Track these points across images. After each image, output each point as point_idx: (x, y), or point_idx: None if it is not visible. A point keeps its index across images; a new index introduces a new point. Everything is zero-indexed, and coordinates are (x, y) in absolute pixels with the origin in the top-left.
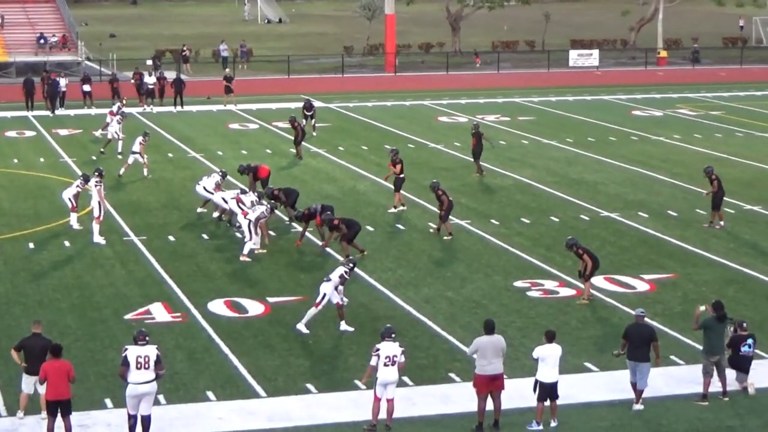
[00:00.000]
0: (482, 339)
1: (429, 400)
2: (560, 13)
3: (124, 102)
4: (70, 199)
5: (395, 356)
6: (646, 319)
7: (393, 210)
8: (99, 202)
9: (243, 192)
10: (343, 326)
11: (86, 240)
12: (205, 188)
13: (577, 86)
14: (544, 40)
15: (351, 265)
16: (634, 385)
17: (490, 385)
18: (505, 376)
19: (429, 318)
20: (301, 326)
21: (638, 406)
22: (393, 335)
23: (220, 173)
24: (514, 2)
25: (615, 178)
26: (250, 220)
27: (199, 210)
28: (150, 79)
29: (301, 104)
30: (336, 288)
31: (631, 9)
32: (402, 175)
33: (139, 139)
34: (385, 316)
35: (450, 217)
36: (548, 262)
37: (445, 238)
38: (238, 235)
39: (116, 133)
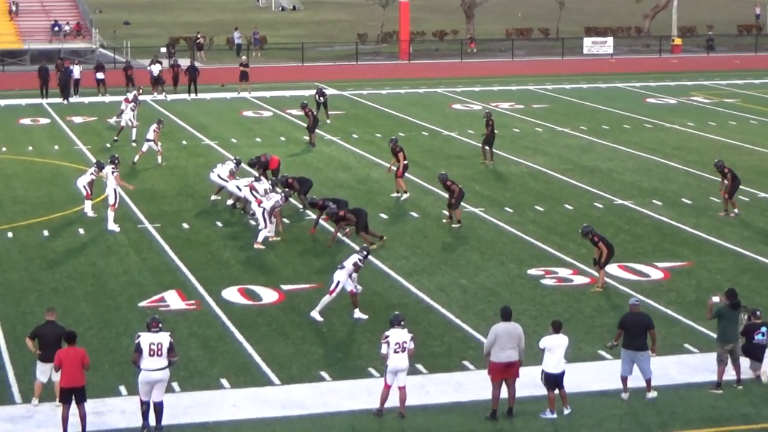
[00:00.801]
0: (499, 326)
1: (443, 388)
2: (574, 0)
3: (141, 90)
4: (84, 187)
5: (405, 342)
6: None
7: (405, 195)
8: (114, 189)
9: (257, 180)
10: (357, 314)
11: (101, 227)
12: (219, 176)
13: (592, 74)
14: (558, 28)
15: (365, 252)
16: (624, 379)
17: (504, 373)
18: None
19: (443, 306)
20: (315, 314)
21: (652, 394)
22: (402, 322)
23: (235, 161)
24: None
25: (629, 166)
26: (264, 208)
27: (213, 197)
28: (155, 68)
29: (314, 92)
30: (350, 275)
31: None
32: (405, 162)
33: (154, 126)
34: (399, 303)
35: (463, 204)
36: (562, 250)
37: (454, 226)
38: (252, 222)
39: (130, 120)
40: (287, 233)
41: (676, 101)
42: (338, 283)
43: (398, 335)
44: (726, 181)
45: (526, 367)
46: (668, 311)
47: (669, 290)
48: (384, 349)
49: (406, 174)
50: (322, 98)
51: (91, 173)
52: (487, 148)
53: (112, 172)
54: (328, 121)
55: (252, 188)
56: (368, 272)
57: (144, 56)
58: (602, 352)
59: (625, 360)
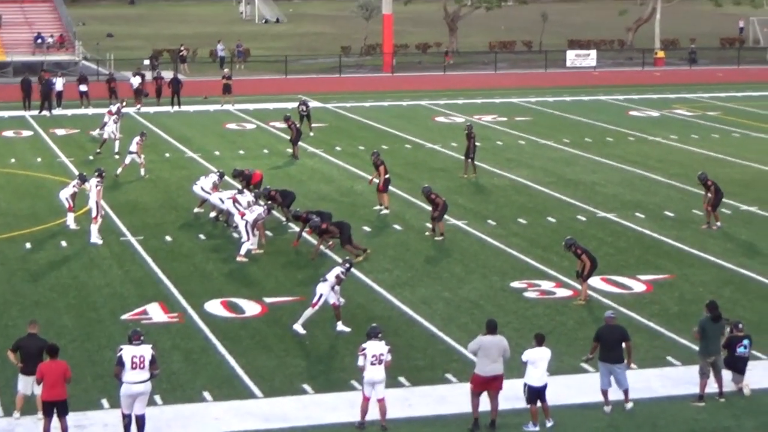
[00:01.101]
0: (485, 338)
1: (426, 400)
2: (558, 13)
3: (125, 103)
4: (67, 199)
5: (382, 355)
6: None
7: (385, 211)
8: (97, 203)
9: (239, 192)
10: (340, 326)
11: (83, 240)
12: (202, 188)
13: (575, 86)
14: (541, 41)
15: (347, 265)
16: (605, 392)
17: (486, 386)
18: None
19: (426, 318)
20: (297, 326)
21: (629, 405)
22: (379, 335)
23: (218, 174)
24: (511, 2)
25: (612, 179)
26: (246, 221)
27: (195, 210)
28: (135, 80)
29: (297, 104)
30: (332, 288)
31: (629, 9)
32: (387, 176)
33: (137, 138)
34: (382, 316)
35: (446, 217)
36: (545, 262)
37: (437, 238)
38: (235, 235)
39: (113, 132)
40: (270, 246)
41: (659, 114)
42: (321, 295)
43: (375, 347)
44: (709, 194)
45: (508, 380)
46: (651, 324)
47: (651, 303)
48: (361, 361)
49: (389, 187)
50: (305, 110)
51: (74, 186)
52: (468, 161)
53: (96, 186)
54: (311, 134)
55: (235, 201)
56: (351, 285)
57: (127, 68)
58: (585, 365)
59: (604, 373)
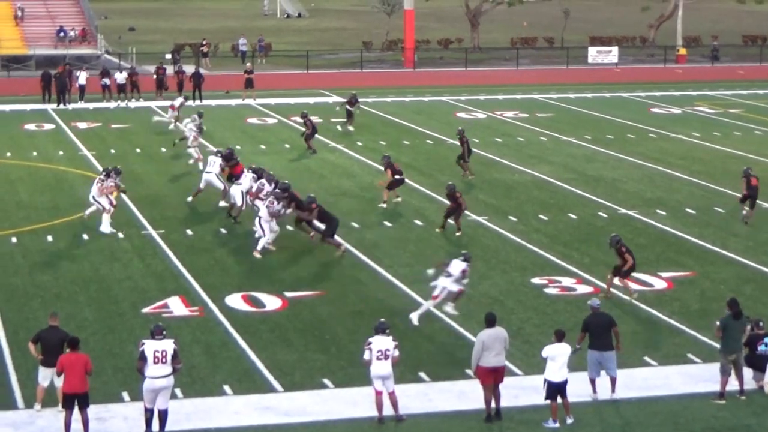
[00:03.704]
0: (484, 333)
1: (445, 396)
2: (579, 9)
3: (186, 98)
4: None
5: (388, 350)
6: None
7: (396, 200)
8: (107, 196)
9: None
10: (450, 309)
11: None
12: (217, 176)
13: (596, 83)
14: (563, 37)
15: (467, 256)
16: (593, 381)
17: (493, 375)
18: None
19: (446, 314)
20: (414, 316)
21: (615, 395)
22: (387, 330)
23: (217, 154)
24: None
25: (633, 176)
26: (260, 216)
27: (221, 204)
28: (121, 76)
29: (319, 99)
30: (457, 281)
31: (651, 5)
32: (397, 177)
33: (193, 131)
34: (403, 311)
35: (466, 213)
36: (566, 259)
37: (457, 234)
38: (254, 229)
39: (176, 124)
40: (290, 240)
41: (681, 111)
42: (444, 288)
43: (381, 342)
44: (746, 187)
45: (529, 376)
46: (672, 321)
47: (672, 300)
48: (367, 355)
49: (408, 182)
50: (352, 107)
51: (98, 182)
52: (463, 162)
53: (112, 182)
54: (351, 128)
55: (256, 196)
56: (371, 280)
57: (149, 62)
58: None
59: (593, 361)
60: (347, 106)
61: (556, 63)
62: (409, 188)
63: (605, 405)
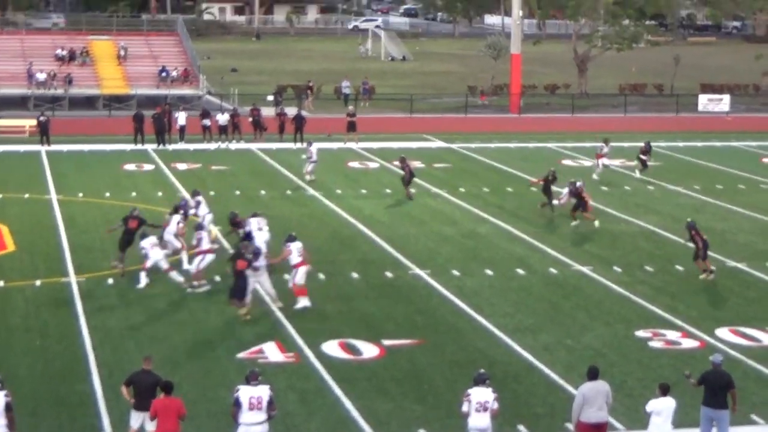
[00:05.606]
0: (585, 386)
1: None
2: (691, 56)
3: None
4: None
5: (487, 402)
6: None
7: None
8: (175, 235)
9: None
10: None
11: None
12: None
13: (706, 131)
14: (673, 84)
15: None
16: None
17: None
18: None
19: (547, 365)
20: None
21: None
22: (486, 381)
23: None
24: (643, 44)
25: (743, 227)
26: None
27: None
28: (222, 118)
29: (422, 144)
30: None
31: (765, 53)
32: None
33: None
34: (502, 361)
35: (570, 262)
36: (671, 311)
37: (709, 276)
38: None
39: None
40: (389, 288)
41: None
42: None
43: (481, 394)
44: None
45: (632, 431)
46: None
47: None
48: (465, 407)
49: (511, 230)
50: (645, 155)
51: (178, 222)
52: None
53: (179, 222)
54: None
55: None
56: (471, 329)
57: (251, 103)
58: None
59: (705, 418)
60: (640, 155)
61: (666, 110)
62: (512, 236)
63: None
